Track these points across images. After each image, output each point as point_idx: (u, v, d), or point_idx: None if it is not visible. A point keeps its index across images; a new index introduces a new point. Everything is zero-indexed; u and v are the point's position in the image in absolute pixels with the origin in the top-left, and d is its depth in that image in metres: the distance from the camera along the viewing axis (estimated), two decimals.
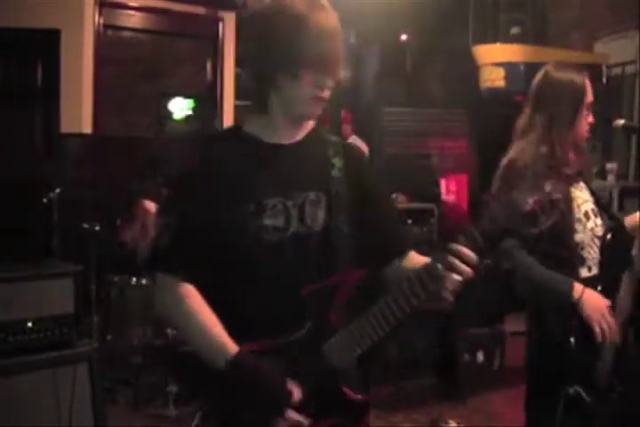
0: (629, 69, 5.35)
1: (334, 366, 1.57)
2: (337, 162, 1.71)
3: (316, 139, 1.73)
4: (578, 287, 2.32)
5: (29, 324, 2.82)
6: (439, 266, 1.53)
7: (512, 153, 2.47)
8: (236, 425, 1.55)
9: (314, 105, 1.64)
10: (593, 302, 2.30)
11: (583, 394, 2.23)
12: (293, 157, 1.67)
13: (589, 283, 2.36)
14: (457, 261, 1.53)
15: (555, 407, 2.28)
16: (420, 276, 1.54)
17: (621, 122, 2.43)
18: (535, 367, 2.50)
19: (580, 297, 2.31)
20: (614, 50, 5.54)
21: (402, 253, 1.78)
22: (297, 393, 1.52)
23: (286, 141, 1.68)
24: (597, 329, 2.28)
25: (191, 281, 1.61)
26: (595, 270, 2.43)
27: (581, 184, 2.51)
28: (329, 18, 1.60)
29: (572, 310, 2.31)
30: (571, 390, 2.25)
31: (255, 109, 1.67)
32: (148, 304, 4.16)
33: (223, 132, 1.78)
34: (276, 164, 1.65)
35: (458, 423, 3.90)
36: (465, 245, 1.54)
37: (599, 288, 2.35)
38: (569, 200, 2.40)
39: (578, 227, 2.42)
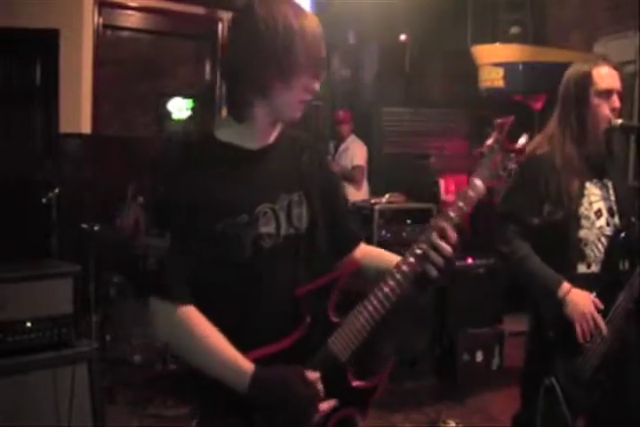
0: (629, 69, 5.35)
1: (342, 359, 1.61)
2: (305, 158, 1.72)
3: (284, 138, 1.72)
4: (564, 286, 2.34)
5: (29, 324, 2.81)
6: (433, 237, 1.57)
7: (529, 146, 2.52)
8: None
9: (301, 109, 1.64)
10: (577, 301, 2.32)
11: (557, 386, 2.26)
12: (272, 159, 1.66)
13: (586, 280, 2.38)
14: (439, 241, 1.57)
15: (537, 397, 2.32)
16: (412, 254, 1.58)
17: (619, 121, 2.43)
18: (529, 358, 2.56)
19: (565, 296, 2.32)
20: (614, 50, 5.53)
21: (357, 243, 1.83)
22: (320, 385, 1.56)
23: (262, 145, 1.66)
24: (579, 328, 2.29)
25: (187, 302, 1.56)
26: (594, 268, 2.43)
27: (604, 181, 2.50)
28: (314, 23, 1.62)
29: (558, 306, 2.33)
30: (547, 382, 2.28)
31: (235, 117, 1.64)
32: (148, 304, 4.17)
33: (196, 140, 1.72)
34: (257, 169, 1.63)
35: (457, 423, 3.90)
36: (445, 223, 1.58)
37: (598, 287, 2.36)
38: (578, 195, 2.40)
39: (585, 223, 2.42)
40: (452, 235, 1.57)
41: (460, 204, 1.60)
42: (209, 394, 1.63)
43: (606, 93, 2.42)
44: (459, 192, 1.64)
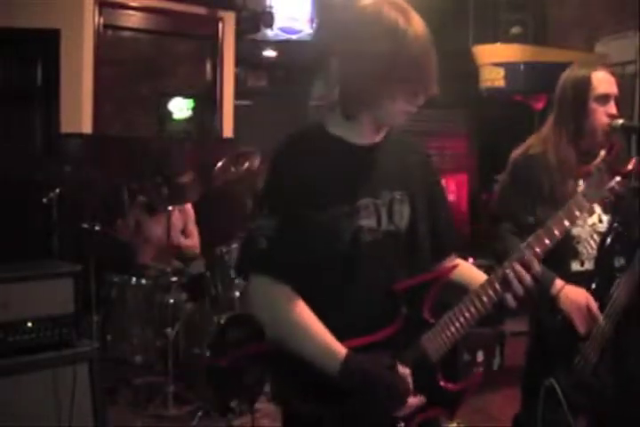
0: (629, 69, 5.35)
1: (433, 359, 1.64)
2: (412, 160, 1.76)
3: (392, 138, 1.75)
4: (558, 283, 2.34)
5: (29, 324, 2.81)
6: (508, 273, 1.64)
7: (523, 146, 2.55)
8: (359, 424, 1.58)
9: (403, 118, 1.67)
10: (571, 295, 2.32)
11: (557, 387, 2.26)
12: (378, 156, 1.70)
13: (580, 277, 2.38)
14: (522, 271, 1.65)
15: (537, 398, 2.32)
16: (492, 281, 1.66)
17: (620, 121, 2.43)
18: (529, 358, 2.57)
19: (559, 292, 2.33)
20: (614, 50, 5.53)
21: (452, 252, 1.87)
22: (410, 378, 1.59)
23: (369, 142, 1.70)
24: (576, 320, 2.30)
25: (289, 283, 1.60)
26: (588, 265, 2.43)
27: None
28: (423, 33, 1.60)
29: (552, 303, 2.34)
30: (547, 382, 2.28)
31: (342, 114, 1.67)
32: (149, 304, 4.17)
33: (309, 132, 1.74)
34: (364, 164, 1.68)
35: (458, 423, 3.89)
36: (530, 254, 1.66)
37: (593, 284, 2.36)
38: (571, 194, 2.41)
39: (577, 222, 2.42)
40: (536, 267, 1.65)
41: (555, 232, 1.68)
42: (298, 378, 1.63)
43: (604, 98, 2.43)
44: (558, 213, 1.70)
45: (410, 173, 1.74)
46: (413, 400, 1.59)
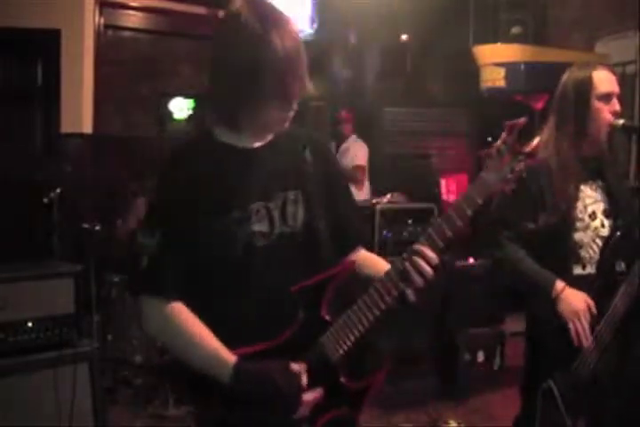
0: (629, 69, 5.35)
1: (332, 357, 1.61)
2: (307, 156, 1.71)
3: (285, 135, 1.71)
4: (558, 285, 2.34)
5: (29, 324, 2.81)
6: (407, 265, 1.58)
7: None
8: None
9: (281, 125, 1.65)
10: (571, 300, 2.32)
11: (555, 389, 2.26)
12: (268, 158, 1.66)
13: (582, 281, 2.37)
14: (420, 262, 1.57)
15: (535, 400, 2.32)
16: (390, 275, 1.60)
17: (621, 122, 2.43)
18: (527, 360, 2.55)
19: (559, 295, 2.32)
20: (614, 50, 5.53)
21: (357, 245, 1.82)
22: (303, 374, 1.56)
23: (258, 144, 1.67)
24: (572, 328, 2.29)
25: (179, 298, 1.59)
26: (590, 269, 2.43)
27: (599, 183, 2.50)
28: (288, 37, 1.53)
29: (552, 306, 2.33)
30: (545, 385, 2.28)
31: (223, 122, 1.65)
32: None
33: (195, 140, 1.73)
34: (252, 167, 1.64)
35: (458, 423, 3.90)
36: (427, 246, 1.58)
37: (594, 288, 2.35)
38: (573, 198, 2.41)
39: (579, 225, 2.42)
40: (432, 256, 1.58)
41: (457, 222, 1.59)
42: (198, 390, 1.63)
43: (607, 97, 2.43)
44: (456, 200, 1.62)
45: (304, 170, 1.69)
46: (309, 396, 1.56)
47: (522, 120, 1.60)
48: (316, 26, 6.25)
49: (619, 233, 2.40)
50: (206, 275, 1.61)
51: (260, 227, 1.62)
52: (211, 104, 1.67)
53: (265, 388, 1.51)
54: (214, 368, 1.54)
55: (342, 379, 1.63)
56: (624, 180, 2.81)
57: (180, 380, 1.69)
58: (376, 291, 1.61)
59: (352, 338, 1.61)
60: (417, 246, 1.58)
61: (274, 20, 1.54)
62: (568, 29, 6.04)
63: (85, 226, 4.23)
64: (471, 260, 4.66)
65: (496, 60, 5.70)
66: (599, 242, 2.43)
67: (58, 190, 4.14)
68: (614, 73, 2.50)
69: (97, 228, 4.22)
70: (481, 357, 4.55)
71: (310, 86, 1.60)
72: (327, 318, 1.63)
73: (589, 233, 2.43)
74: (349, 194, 1.86)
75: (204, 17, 6.06)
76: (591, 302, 2.32)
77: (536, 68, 5.48)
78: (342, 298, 1.66)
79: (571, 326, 2.29)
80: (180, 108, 5.81)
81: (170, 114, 5.76)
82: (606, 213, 2.46)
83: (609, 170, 2.52)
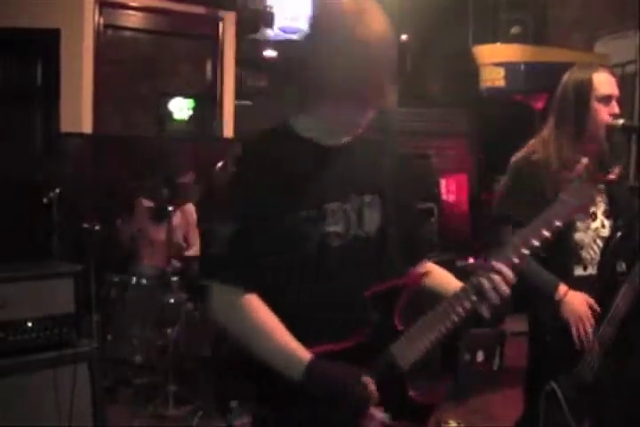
0: (629, 69, 5.36)
1: (402, 368, 1.57)
2: (384, 162, 1.70)
3: (365, 138, 1.68)
4: (561, 288, 2.34)
5: (29, 324, 2.81)
6: (484, 282, 1.55)
7: (522, 151, 2.53)
8: None
9: (356, 128, 1.62)
10: (574, 304, 2.32)
11: (558, 391, 2.26)
12: (346, 158, 1.64)
13: (583, 282, 2.38)
14: (497, 279, 1.55)
15: (538, 402, 2.32)
16: (466, 290, 1.57)
17: (620, 122, 2.43)
18: (529, 361, 2.55)
19: (562, 298, 2.33)
20: (614, 50, 5.54)
21: (424, 258, 1.80)
22: (375, 390, 1.51)
23: (337, 142, 1.64)
24: (574, 331, 2.29)
25: (254, 290, 1.57)
26: (591, 270, 2.43)
27: (598, 184, 2.50)
28: (378, 33, 1.51)
29: (555, 308, 2.33)
30: (548, 387, 2.28)
31: (303, 110, 1.63)
32: (149, 304, 4.17)
33: (275, 132, 1.69)
34: (332, 166, 1.62)
35: (458, 423, 3.90)
36: (504, 263, 1.56)
37: (595, 289, 2.36)
38: None
39: (580, 226, 2.43)
40: (508, 273, 1.55)
41: (533, 241, 1.58)
42: (261, 383, 1.61)
43: (606, 99, 2.43)
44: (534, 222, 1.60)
45: (381, 175, 1.68)
46: (377, 413, 1.52)
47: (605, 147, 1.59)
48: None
49: (619, 234, 2.40)
50: (278, 271, 1.59)
51: (335, 228, 1.60)
52: (297, 96, 1.64)
53: (335, 390, 1.49)
54: (287, 363, 1.52)
55: (409, 390, 1.59)
56: (624, 180, 2.81)
57: (242, 372, 1.67)
58: (450, 304, 1.57)
59: (422, 349, 1.58)
60: (495, 263, 1.56)
61: (369, 20, 1.52)
62: (568, 29, 6.04)
63: (85, 226, 4.22)
64: (471, 260, 4.66)
65: (495, 59, 5.71)
66: (600, 243, 2.43)
67: (57, 190, 4.14)
68: (614, 75, 2.50)
69: (97, 228, 4.22)
70: (481, 357, 4.54)
71: (390, 98, 1.59)
72: (399, 326, 1.60)
73: (590, 233, 2.44)
74: (416, 207, 1.88)
75: (204, 17, 6.06)
76: (593, 305, 2.32)
77: (536, 67, 5.49)
78: (410, 309, 1.64)
79: (573, 330, 2.30)
80: (180, 107, 5.81)
81: (170, 114, 5.76)
82: (606, 214, 2.47)
83: (608, 170, 2.52)
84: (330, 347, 1.55)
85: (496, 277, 1.54)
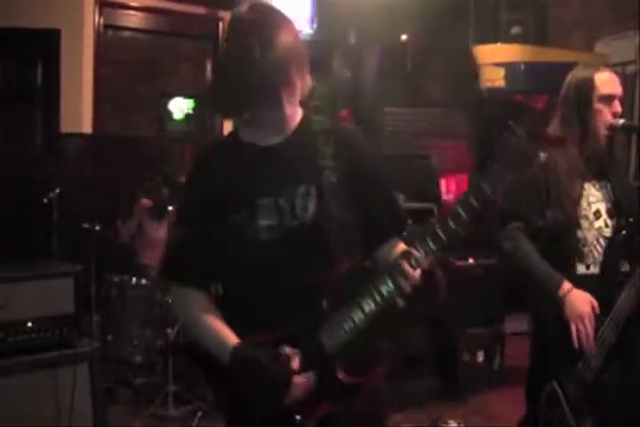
0: (629, 69, 5.36)
1: (329, 351, 1.63)
2: (327, 150, 1.74)
3: (306, 130, 1.76)
4: (565, 285, 2.34)
5: (29, 324, 2.81)
6: (404, 263, 1.60)
7: None
8: (248, 413, 1.64)
9: (284, 126, 1.73)
10: (576, 302, 2.32)
11: (559, 391, 2.26)
12: (284, 155, 1.72)
13: (586, 280, 2.38)
14: (405, 265, 1.60)
15: (540, 400, 2.32)
16: (389, 271, 1.62)
17: (621, 122, 2.44)
18: (531, 361, 2.55)
19: (565, 296, 2.32)
20: (615, 50, 5.54)
21: (391, 235, 1.83)
22: (297, 364, 1.61)
23: (275, 141, 1.73)
24: (574, 330, 2.29)
25: (199, 286, 1.75)
26: (594, 269, 2.43)
27: (603, 182, 2.51)
28: (290, 36, 1.64)
29: (557, 306, 2.33)
30: (549, 386, 2.28)
31: (218, 114, 1.76)
32: (149, 304, 4.17)
33: (222, 141, 1.89)
34: (268, 165, 1.71)
35: (458, 423, 3.90)
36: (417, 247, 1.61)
37: (598, 288, 2.35)
38: (577, 197, 2.42)
39: (583, 224, 2.43)
40: (419, 257, 1.60)
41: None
42: (211, 371, 1.76)
43: (608, 98, 2.44)
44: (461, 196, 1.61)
45: (323, 164, 1.71)
46: (299, 378, 1.60)
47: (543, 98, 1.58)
48: (315, 26, 6.25)
49: (623, 233, 2.40)
50: (222, 268, 1.73)
51: (266, 221, 1.68)
52: (218, 102, 1.76)
53: (254, 372, 1.59)
54: (217, 349, 1.66)
55: (338, 372, 1.65)
56: (626, 180, 2.82)
57: (198, 361, 1.84)
58: (376, 289, 1.63)
59: (346, 330, 1.63)
60: (407, 249, 1.63)
61: (276, 21, 1.65)
62: (568, 29, 6.04)
63: (85, 226, 4.23)
64: (471, 260, 4.66)
65: (496, 60, 5.70)
66: (603, 242, 2.43)
67: (57, 190, 4.14)
68: (617, 75, 2.51)
69: (97, 228, 4.22)
70: (481, 357, 4.55)
71: (311, 83, 1.71)
72: (328, 312, 1.65)
73: (593, 232, 2.44)
74: (381, 187, 1.84)
75: (204, 17, 6.06)
76: (596, 304, 2.32)
77: (536, 68, 5.49)
78: (352, 293, 1.66)
79: (573, 329, 2.30)
80: (180, 108, 5.81)
81: (169, 114, 5.76)
82: (610, 214, 2.47)
83: (612, 170, 2.53)
84: (263, 336, 1.64)
85: (404, 263, 1.60)
